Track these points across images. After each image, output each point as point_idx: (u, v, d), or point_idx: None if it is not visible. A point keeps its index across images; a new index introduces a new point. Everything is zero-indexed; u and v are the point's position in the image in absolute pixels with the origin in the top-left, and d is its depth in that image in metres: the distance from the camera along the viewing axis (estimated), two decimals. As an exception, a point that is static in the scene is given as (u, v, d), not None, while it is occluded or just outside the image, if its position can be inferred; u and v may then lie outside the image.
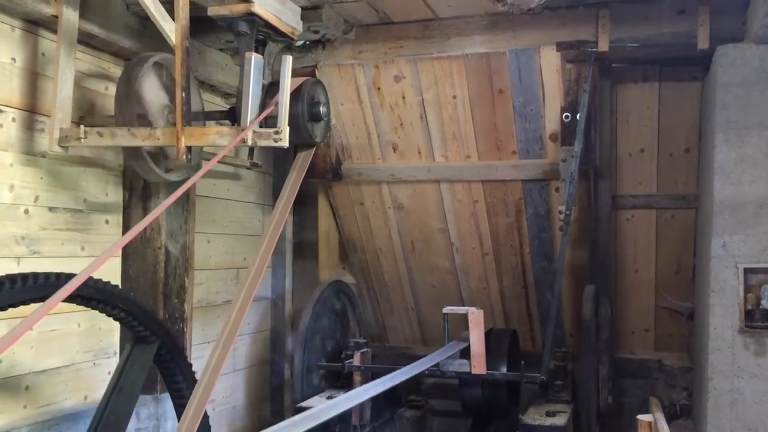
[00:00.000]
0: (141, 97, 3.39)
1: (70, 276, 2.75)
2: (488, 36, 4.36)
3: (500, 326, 5.43)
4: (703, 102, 4.56)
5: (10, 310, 2.64)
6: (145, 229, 3.81)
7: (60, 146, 3.24)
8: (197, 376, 3.53)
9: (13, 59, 3.24)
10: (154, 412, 3.94)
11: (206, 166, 2.90)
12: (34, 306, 2.59)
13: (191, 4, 3.11)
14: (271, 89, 3.29)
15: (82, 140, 3.22)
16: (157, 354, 3.34)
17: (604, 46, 4.16)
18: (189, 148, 3.18)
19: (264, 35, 3.37)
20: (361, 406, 4.61)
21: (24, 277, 2.65)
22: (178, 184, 2.81)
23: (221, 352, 2.77)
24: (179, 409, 3.53)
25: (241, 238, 5.08)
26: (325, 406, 3.45)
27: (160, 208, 2.67)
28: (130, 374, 3.22)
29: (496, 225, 5.12)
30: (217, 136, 3.14)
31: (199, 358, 4.35)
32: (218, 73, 4.47)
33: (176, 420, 3.57)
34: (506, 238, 5.14)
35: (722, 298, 3.90)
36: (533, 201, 4.91)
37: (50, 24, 3.30)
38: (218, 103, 4.73)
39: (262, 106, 3.23)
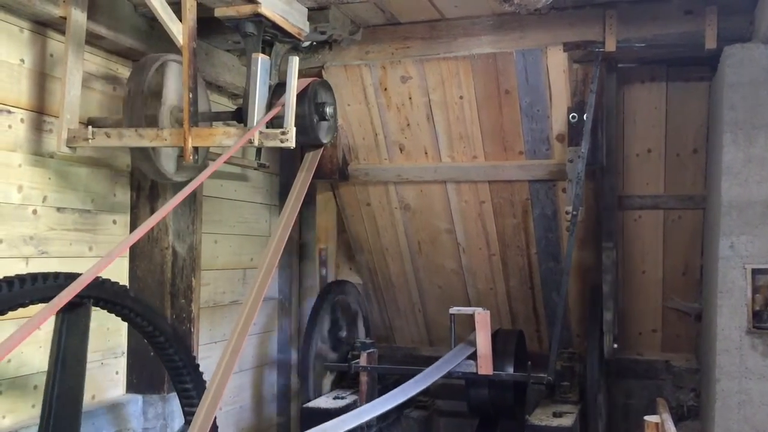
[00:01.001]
0: (148, 97, 3.40)
1: (70, 276, 2.75)
2: (495, 36, 4.36)
3: (507, 327, 5.43)
4: (711, 102, 4.54)
5: (18, 310, 2.64)
6: (152, 229, 3.82)
7: (68, 147, 3.25)
8: (202, 372, 3.56)
9: (22, 60, 3.26)
10: (161, 412, 3.95)
11: (213, 166, 2.90)
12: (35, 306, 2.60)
13: (198, 5, 3.12)
14: (277, 90, 3.30)
15: (90, 141, 3.23)
16: (103, 305, 3.03)
17: (611, 46, 4.15)
18: (196, 149, 3.19)
19: (271, 36, 3.38)
20: (368, 406, 4.62)
21: (21, 279, 2.62)
22: (185, 185, 2.81)
23: (232, 353, 2.77)
24: (151, 341, 3.36)
25: (248, 239, 5.09)
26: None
27: (167, 207, 2.68)
28: (69, 344, 2.84)
29: (502, 225, 5.12)
30: (224, 137, 3.15)
31: (206, 358, 4.36)
32: (225, 73, 4.48)
33: (183, 419, 3.58)
34: (513, 238, 5.13)
35: (730, 298, 3.89)
36: (540, 201, 4.90)
37: (58, 25, 3.31)
38: (225, 104, 4.74)
39: (269, 107, 3.24)
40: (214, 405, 2.67)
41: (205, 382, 3.49)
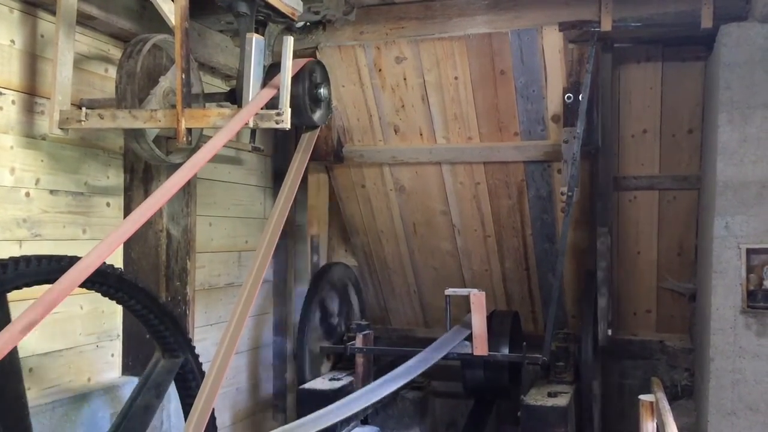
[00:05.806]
0: (141, 78, 3.37)
1: (73, 259, 2.74)
2: (490, 16, 4.33)
3: (502, 308, 5.44)
4: (707, 82, 4.53)
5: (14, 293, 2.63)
6: (146, 211, 3.79)
7: (60, 128, 3.22)
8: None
9: (12, 41, 3.22)
10: (157, 394, 3.95)
11: (215, 148, 2.87)
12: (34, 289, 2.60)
13: (190, -16, 3.08)
14: (271, 71, 3.27)
15: (83, 122, 3.21)
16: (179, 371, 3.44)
17: (607, 25, 4.13)
18: (189, 130, 3.17)
19: (264, 16, 3.34)
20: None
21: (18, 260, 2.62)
22: (178, 167, 2.79)
23: (232, 336, 2.76)
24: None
25: (243, 221, 5.08)
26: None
27: (173, 186, 2.64)
28: (156, 378, 3.34)
29: (497, 207, 5.11)
30: (219, 118, 3.12)
31: (202, 340, 4.36)
32: (218, 54, 4.44)
33: (179, 401, 3.58)
34: (508, 219, 5.13)
35: (724, 278, 3.90)
36: (535, 182, 4.90)
37: (49, 5, 3.27)
38: (218, 85, 4.70)
39: (263, 88, 3.21)
40: (215, 388, 2.66)
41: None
